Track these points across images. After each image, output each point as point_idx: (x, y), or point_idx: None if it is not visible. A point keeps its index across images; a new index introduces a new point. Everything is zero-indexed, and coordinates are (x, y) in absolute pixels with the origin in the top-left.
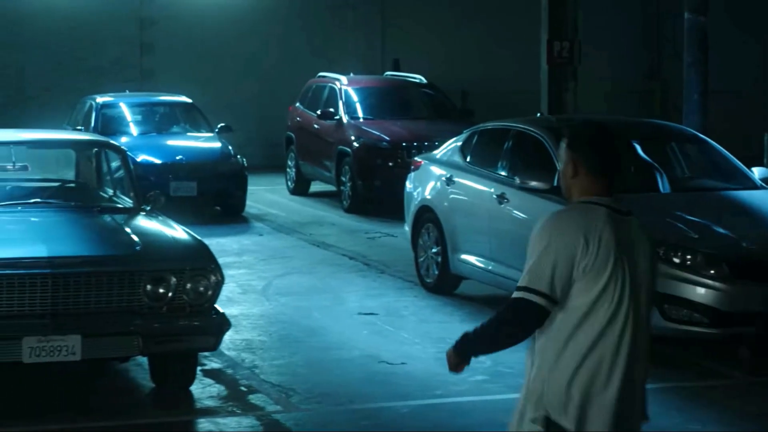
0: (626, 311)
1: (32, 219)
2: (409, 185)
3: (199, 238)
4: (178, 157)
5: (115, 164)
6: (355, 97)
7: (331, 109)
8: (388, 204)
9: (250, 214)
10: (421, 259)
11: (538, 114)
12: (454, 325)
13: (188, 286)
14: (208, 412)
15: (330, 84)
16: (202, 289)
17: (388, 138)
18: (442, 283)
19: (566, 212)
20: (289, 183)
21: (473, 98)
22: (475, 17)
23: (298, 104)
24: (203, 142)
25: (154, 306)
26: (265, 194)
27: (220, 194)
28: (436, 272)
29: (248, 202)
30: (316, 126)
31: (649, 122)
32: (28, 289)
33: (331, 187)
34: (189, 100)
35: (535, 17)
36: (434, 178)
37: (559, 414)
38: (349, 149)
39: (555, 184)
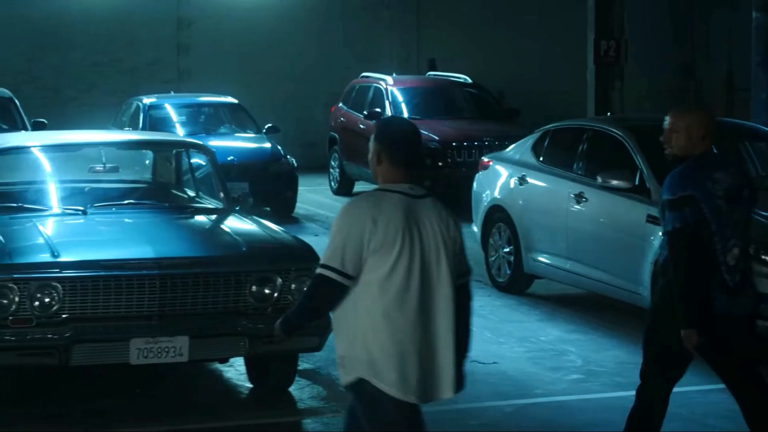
0: (418, 282)
1: (127, 220)
2: (476, 185)
3: (300, 238)
4: (229, 158)
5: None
6: (400, 98)
7: (378, 109)
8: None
9: (300, 215)
10: (492, 258)
11: (609, 113)
12: (533, 324)
13: (293, 286)
14: (313, 412)
15: (375, 84)
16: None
17: (437, 138)
18: (515, 282)
19: (359, 199)
20: (333, 183)
21: (509, 98)
22: (510, 17)
23: (341, 104)
24: (253, 142)
25: (260, 307)
26: (308, 195)
27: (271, 195)
28: (508, 272)
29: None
30: (361, 126)
31: (722, 121)
32: (136, 291)
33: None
34: (235, 101)
35: (571, 17)
36: (505, 177)
37: (369, 375)
38: None
39: (637, 182)
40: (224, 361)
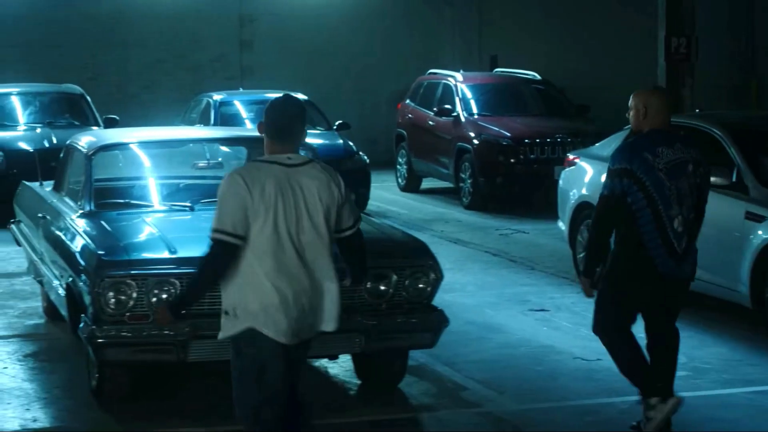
0: (296, 239)
1: None
2: (562, 182)
3: (413, 235)
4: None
5: None
6: (469, 94)
7: (448, 106)
8: (511, 200)
9: (371, 211)
10: (581, 255)
11: (697, 110)
12: None
13: (407, 283)
14: (426, 408)
15: (444, 81)
16: (421, 286)
17: (509, 134)
18: None
19: (235, 172)
20: (400, 180)
21: (570, 95)
22: (572, 12)
23: (408, 101)
24: (325, 139)
25: (374, 303)
26: (376, 191)
27: None
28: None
29: None
30: (431, 123)
31: None
32: None
33: (445, 184)
34: (305, 97)
35: (635, 12)
36: (593, 174)
37: (259, 325)
38: (469, 146)
39: (734, 179)
40: (334, 357)
